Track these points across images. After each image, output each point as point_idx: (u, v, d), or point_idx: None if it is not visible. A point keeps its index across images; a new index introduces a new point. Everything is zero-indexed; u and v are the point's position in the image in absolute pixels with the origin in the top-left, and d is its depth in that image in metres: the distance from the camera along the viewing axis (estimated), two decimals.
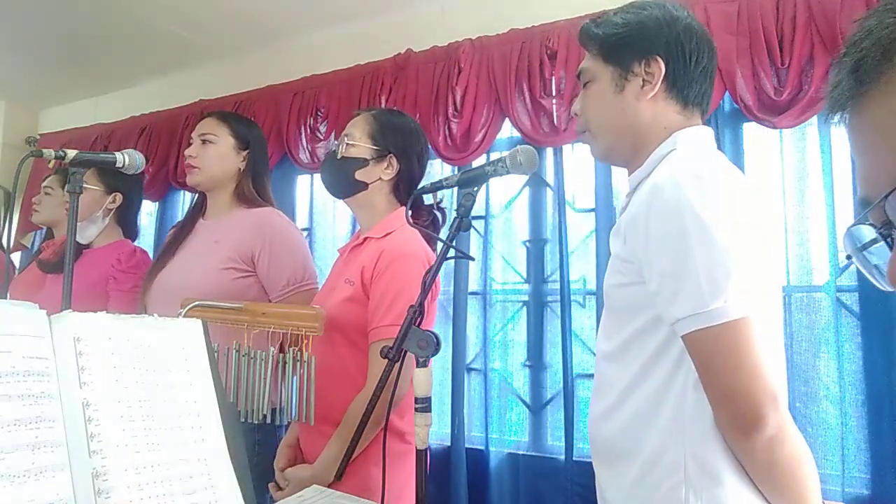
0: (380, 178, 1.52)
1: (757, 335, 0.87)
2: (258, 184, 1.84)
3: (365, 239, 1.50)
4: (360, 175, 1.50)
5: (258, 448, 1.62)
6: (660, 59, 1.04)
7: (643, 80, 1.06)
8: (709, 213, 0.89)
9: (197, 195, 1.90)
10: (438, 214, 1.60)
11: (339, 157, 1.52)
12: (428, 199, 1.62)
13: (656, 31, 1.05)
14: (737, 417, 0.87)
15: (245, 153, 1.82)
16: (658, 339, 0.97)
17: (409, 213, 1.41)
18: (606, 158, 1.17)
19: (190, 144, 1.80)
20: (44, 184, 2.23)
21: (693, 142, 1.04)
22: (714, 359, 0.88)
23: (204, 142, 1.78)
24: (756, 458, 0.88)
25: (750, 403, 0.85)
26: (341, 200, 1.66)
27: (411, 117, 1.69)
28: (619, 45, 1.07)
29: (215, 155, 1.78)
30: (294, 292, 1.70)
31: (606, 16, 1.11)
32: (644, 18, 1.06)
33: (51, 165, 1.52)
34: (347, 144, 1.52)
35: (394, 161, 1.52)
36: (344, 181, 1.52)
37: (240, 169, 1.81)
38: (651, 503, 0.96)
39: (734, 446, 0.90)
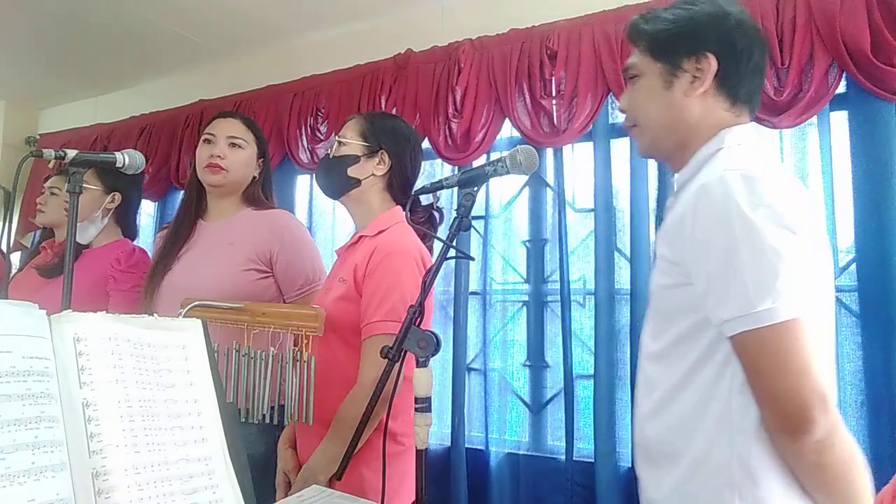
0: (372, 174, 1.52)
1: (806, 336, 0.87)
2: (266, 189, 1.88)
3: (360, 238, 1.51)
4: (352, 172, 1.51)
5: (276, 446, 1.62)
6: (711, 56, 1.03)
7: (693, 77, 1.05)
8: (757, 214, 0.88)
9: (188, 196, 1.86)
10: (436, 214, 1.60)
11: (331, 157, 1.54)
12: (426, 198, 1.62)
13: (708, 27, 1.04)
14: (785, 419, 0.86)
15: (261, 161, 1.86)
16: (705, 340, 0.96)
17: (406, 211, 1.42)
18: (651, 153, 1.17)
19: (207, 142, 1.77)
20: (48, 184, 2.22)
21: (741, 140, 1.03)
22: (761, 360, 0.87)
23: (232, 145, 1.78)
24: (805, 460, 0.87)
25: (798, 405, 0.85)
26: (338, 201, 1.67)
27: (404, 120, 1.70)
28: (669, 42, 1.06)
29: (244, 160, 1.79)
30: (309, 292, 1.73)
31: (655, 11, 1.10)
32: (695, 14, 1.05)
33: (51, 165, 1.52)
34: (339, 143, 1.54)
35: (385, 157, 1.53)
36: (337, 179, 1.53)
37: (255, 176, 1.84)
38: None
39: (782, 449, 0.89)
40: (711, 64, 1.03)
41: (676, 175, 1.10)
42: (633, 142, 1.19)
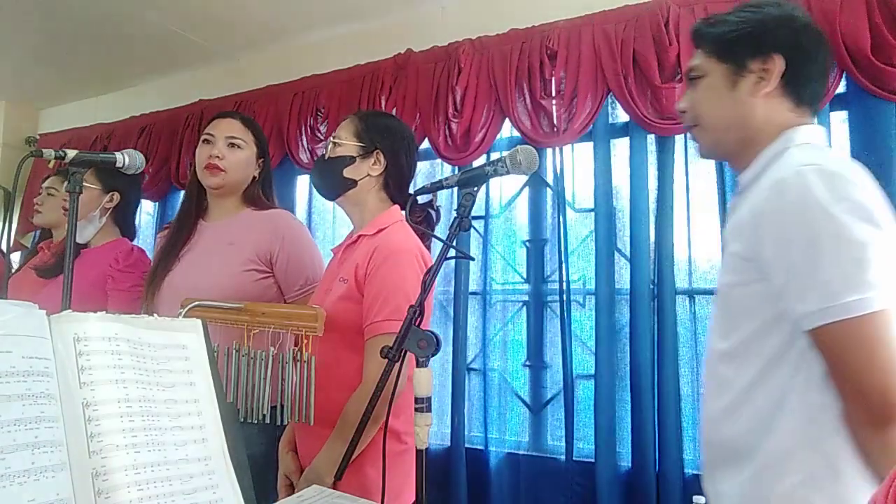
0: (368, 175, 1.52)
1: (891, 328, 0.87)
2: (266, 189, 1.87)
3: (358, 237, 1.51)
4: (348, 172, 1.51)
5: (278, 444, 1.62)
6: (778, 57, 1.05)
7: (759, 77, 1.06)
8: (839, 208, 0.89)
9: (188, 197, 1.86)
10: (432, 213, 1.60)
11: (326, 158, 1.54)
12: (423, 197, 1.62)
13: (776, 29, 1.06)
14: (871, 412, 0.86)
15: (261, 161, 1.86)
16: (779, 338, 0.96)
17: (406, 211, 1.42)
18: (713, 153, 1.18)
19: (207, 142, 1.77)
20: (45, 184, 2.22)
21: (808, 139, 1.05)
22: (846, 353, 0.88)
23: (231, 145, 1.77)
24: (893, 454, 0.87)
25: (886, 397, 0.85)
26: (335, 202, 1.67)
27: (398, 118, 1.71)
28: (735, 43, 1.08)
29: (243, 160, 1.79)
30: (309, 292, 1.73)
31: (720, 15, 1.13)
32: (762, 17, 1.07)
33: (51, 165, 1.52)
34: (334, 144, 1.54)
35: (381, 157, 1.53)
36: (333, 180, 1.53)
37: (255, 177, 1.84)
38: (773, 499, 0.96)
39: (868, 443, 0.89)
40: (778, 65, 1.05)
41: (740, 175, 1.11)
42: (693, 142, 1.19)
